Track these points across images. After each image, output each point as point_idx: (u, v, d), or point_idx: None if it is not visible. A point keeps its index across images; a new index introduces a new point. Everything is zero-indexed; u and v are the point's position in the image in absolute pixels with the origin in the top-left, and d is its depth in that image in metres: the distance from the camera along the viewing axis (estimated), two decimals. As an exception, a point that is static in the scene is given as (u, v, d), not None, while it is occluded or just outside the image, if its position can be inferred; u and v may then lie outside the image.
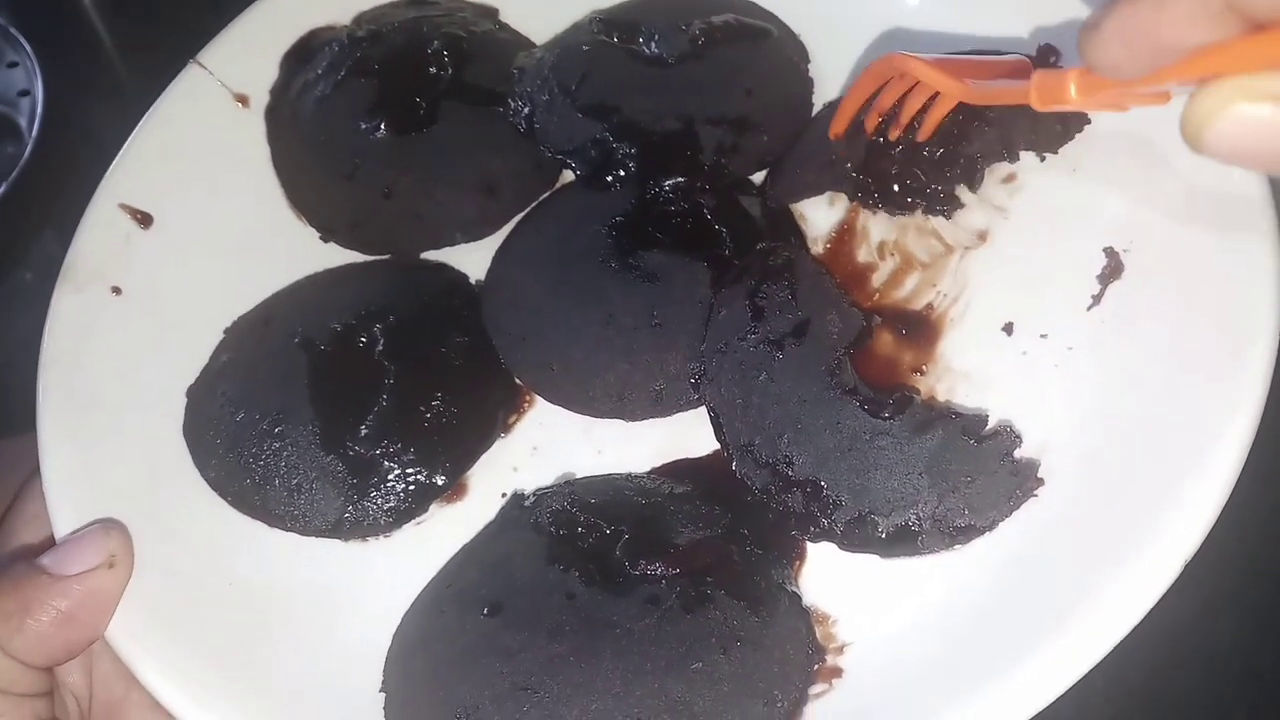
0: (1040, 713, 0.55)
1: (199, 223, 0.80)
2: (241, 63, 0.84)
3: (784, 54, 0.83)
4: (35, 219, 0.73)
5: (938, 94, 0.66)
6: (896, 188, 0.72)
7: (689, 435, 0.70)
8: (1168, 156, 0.68)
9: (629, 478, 0.68)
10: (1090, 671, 0.55)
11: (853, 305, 0.67)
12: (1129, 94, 0.50)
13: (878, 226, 0.76)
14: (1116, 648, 0.55)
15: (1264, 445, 0.59)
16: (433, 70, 0.82)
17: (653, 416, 0.71)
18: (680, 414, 0.71)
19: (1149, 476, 0.60)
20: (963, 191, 0.74)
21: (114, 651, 0.62)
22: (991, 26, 0.77)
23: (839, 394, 0.64)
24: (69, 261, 0.75)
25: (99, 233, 0.76)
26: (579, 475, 0.70)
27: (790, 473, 0.64)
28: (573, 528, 0.62)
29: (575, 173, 0.79)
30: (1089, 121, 0.73)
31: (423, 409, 0.71)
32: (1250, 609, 0.83)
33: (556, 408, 0.73)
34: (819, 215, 0.78)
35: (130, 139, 0.79)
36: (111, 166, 0.78)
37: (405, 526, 0.70)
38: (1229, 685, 0.81)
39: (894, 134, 0.70)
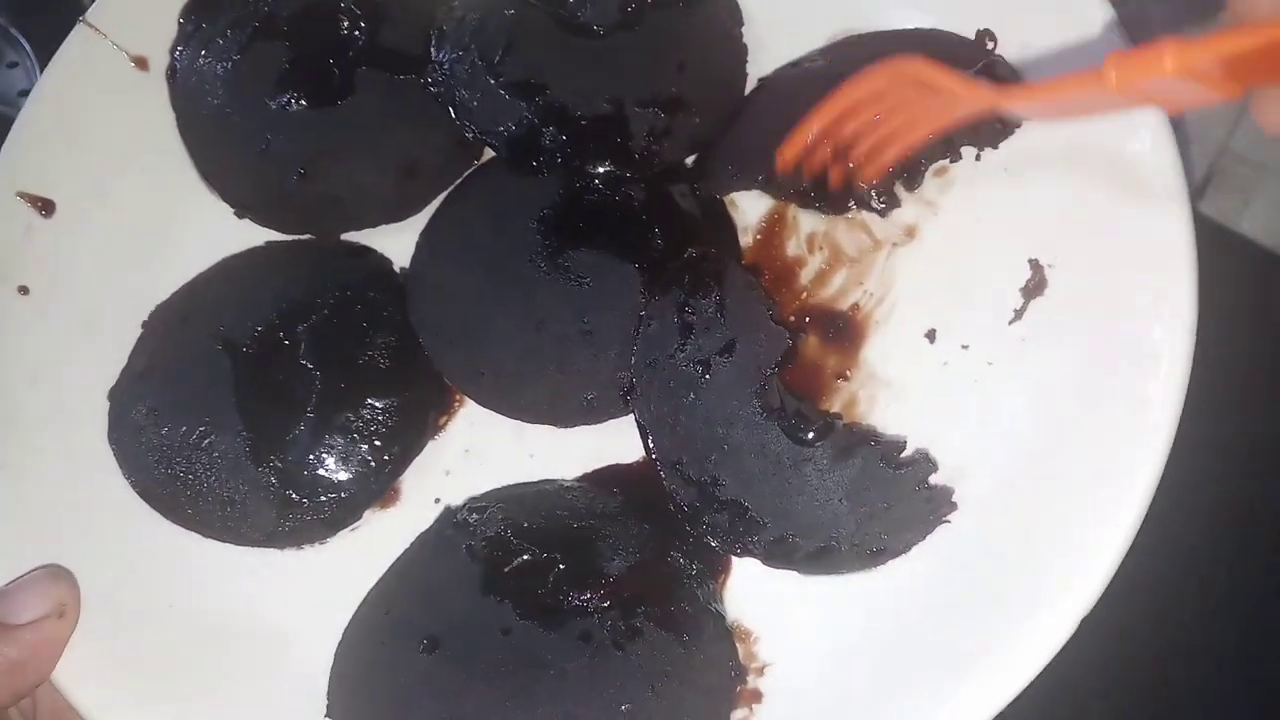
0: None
1: (105, 205, 0.76)
2: (136, 20, 0.78)
3: (718, 20, 0.79)
4: None
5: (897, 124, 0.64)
6: (836, 195, 0.71)
7: (620, 440, 0.72)
8: (1100, 169, 0.68)
9: (561, 490, 0.69)
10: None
11: (779, 323, 0.68)
12: (1212, 80, 0.43)
13: (808, 218, 0.76)
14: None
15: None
16: (345, 30, 0.77)
17: (584, 424, 0.72)
18: (611, 421, 0.72)
19: (1063, 503, 0.63)
20: (899, 189, 0.73)
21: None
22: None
23: (765, 417, 0.65)
24: (-32, 264, 0.71)
25: (-2, 228, 0.72)
26: (511, 480, 0.72)
27: (716, 492, 0.66)
28: (507, 554, 0.64)
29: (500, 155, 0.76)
30: (1019, 124, 0.72)
31: (351, 416, 0.71)
32: (1251, 611, 0.83)
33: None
34: (750, 204, 0.77)
35: (20, 117, 0.74)
36: (2, 151, 0.73)
37: (340, 533, 0.71)
38: (1229, 687, 0.82)
39: (836, 174, 0.68)
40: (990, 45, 0.72)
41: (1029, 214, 0.71)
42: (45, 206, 0.74)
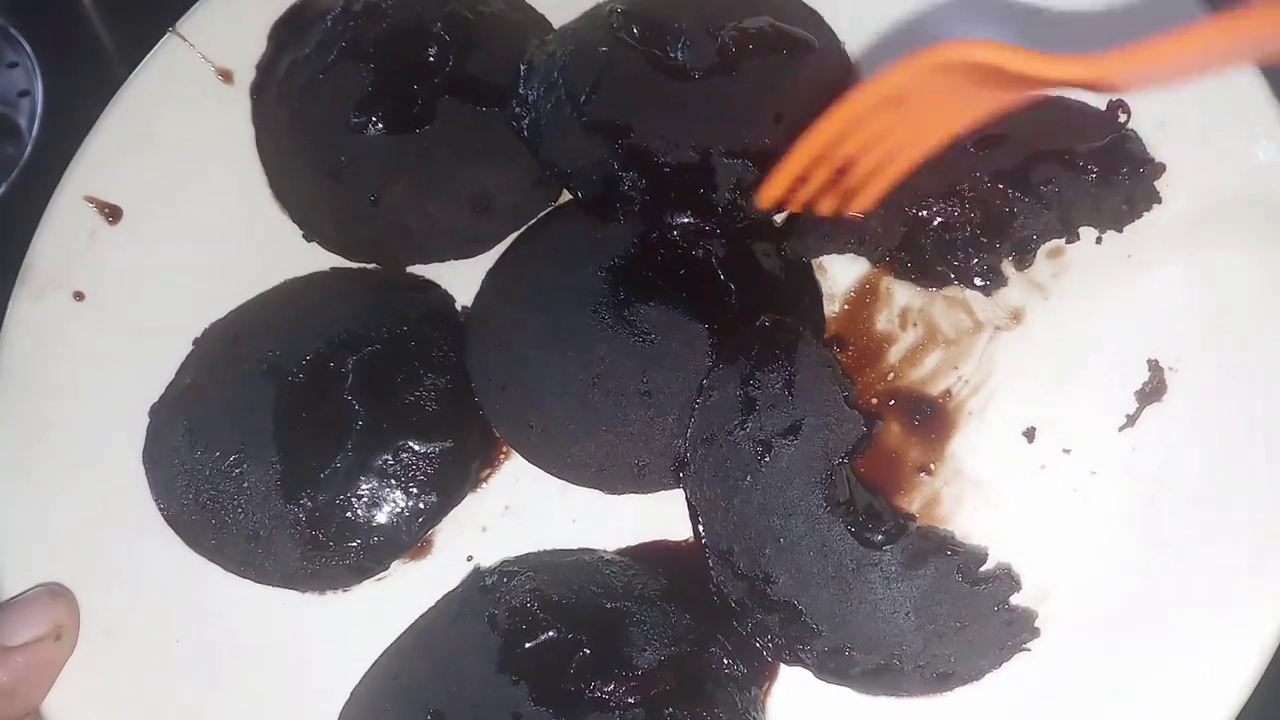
0: None
1: (172, 215, 0.74)
2: (227, 34, 0.77)
3: (823, 70, 0.73)
4: (35, 219, 0.70)
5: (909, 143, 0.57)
6: (936, 266, 0.65)
7: (670, 515, 0.66)
8: (1237, 264, 0.60)
9: (599, 564, 0.64)
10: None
11: (855, 407, 0.61)
12: None
13: (904, 290, 0.69)
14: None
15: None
16: (432, 57, 0.74)
17: (632, 492, 0.66)
18: (663, 492, 0.66)
19: (1163, 642, 0.55)
20: (1007, 267, 0.66)
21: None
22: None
23: (829, 511, 0.58)
24: (27, 264, 0.70)
25: (61, 231, 0.71)
26: (550, 545, 0.66)
27: (769, 591, 0.59)
28: (531, 628, 0.59)
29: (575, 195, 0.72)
30: (1159, 201, 0.64)
31: (390, 458, 0.67)
32: None
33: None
34: (841, 270, 0.70)
35: (99, 122, 0.73)
36: (77, 155, 0.72)
37: (365, 582, 0.67)
38: None
39: (829, 204, 0.61)
40: (1123, 118, 0.65)
41: (1152, 308, 0.63)
42: (112, 213, 0.72)
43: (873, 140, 0.57)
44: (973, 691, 0.57)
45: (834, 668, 0.58)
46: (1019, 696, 0.57)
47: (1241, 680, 0.51)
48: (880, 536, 0.58)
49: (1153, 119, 0.64)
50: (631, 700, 0.56)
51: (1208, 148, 0.63)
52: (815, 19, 0.76)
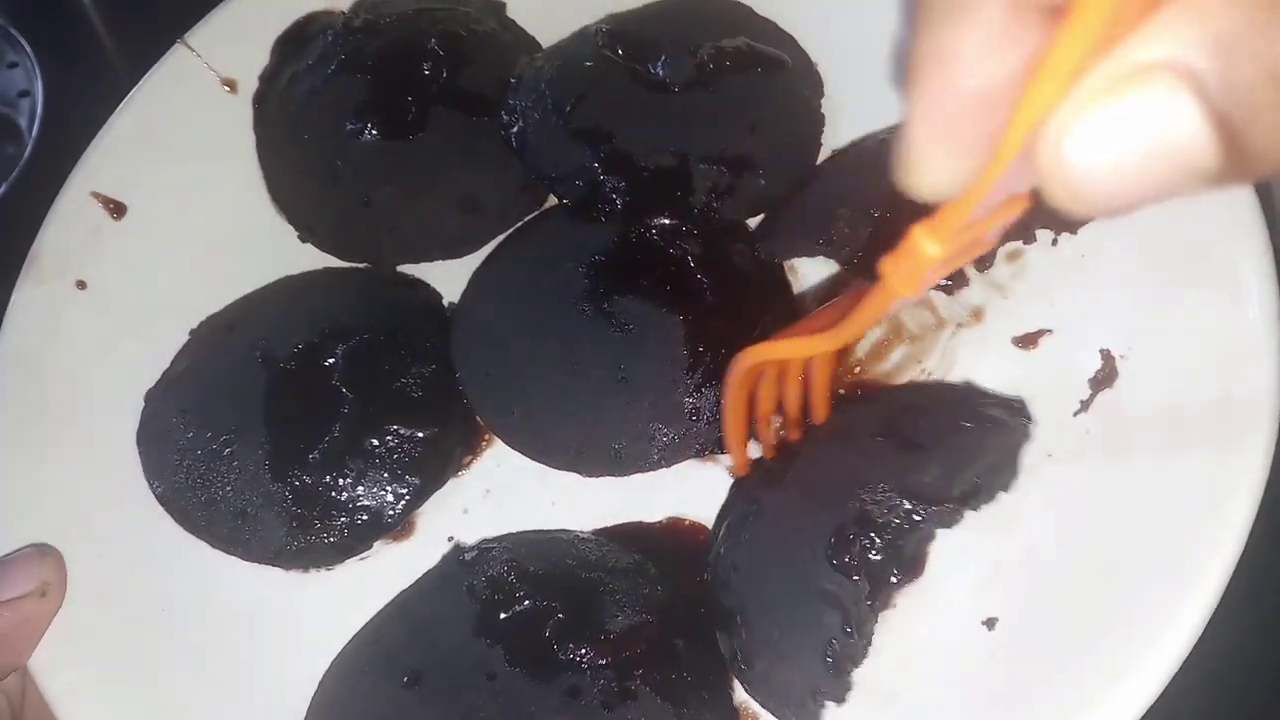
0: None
1: (175, 214, 0.78)
2: (232, 45, 0.81)
3: (796, 88, 0.78)
4: (35, 219, 0.72)
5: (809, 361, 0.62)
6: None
7: (646, 496, 0.68)
8: (1182, 256, 0.64)
9: (575, 540, 0.66)
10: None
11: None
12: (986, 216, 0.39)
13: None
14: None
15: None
16: (427, 70, 0.78)
17: (610, 475, 0.69)
18: (639, 475, 0.69)
19: (1118, 610, 0.57)
20: (969, 268, 0.70)
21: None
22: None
23: None
24: (34, 252, 0.73)
25: (68, 222, 0.74)
26: (529, 526, 0.68)
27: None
28: (507, 597, 0.61)
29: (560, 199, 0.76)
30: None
31: (376, 441, 0.69)
32: (1251, 613, 0.77)
33: (514, 451, 0.71)
34: (812, 270, 0.74)
35: (108, 123, 0.77)
36: (86, 152, 0.76)
37: (348, 561, 0.69)
38: (1229, 690, 0.75)
39: (794, 433, 0.65)
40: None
41: (1104, 303, 0.66)
42: (117, 209, 0.76)
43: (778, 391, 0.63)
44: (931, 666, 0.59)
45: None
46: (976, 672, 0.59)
47: (1183, 638, 0.53)
48: None
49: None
50: (603, 662, 0.58)
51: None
52: (789, 40, 0.80)
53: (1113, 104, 0.28)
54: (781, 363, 0.61)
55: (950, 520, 0.57)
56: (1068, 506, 0.61)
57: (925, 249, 0.40)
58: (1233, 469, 0.56)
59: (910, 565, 0.58)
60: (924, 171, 0.34)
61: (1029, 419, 0.62)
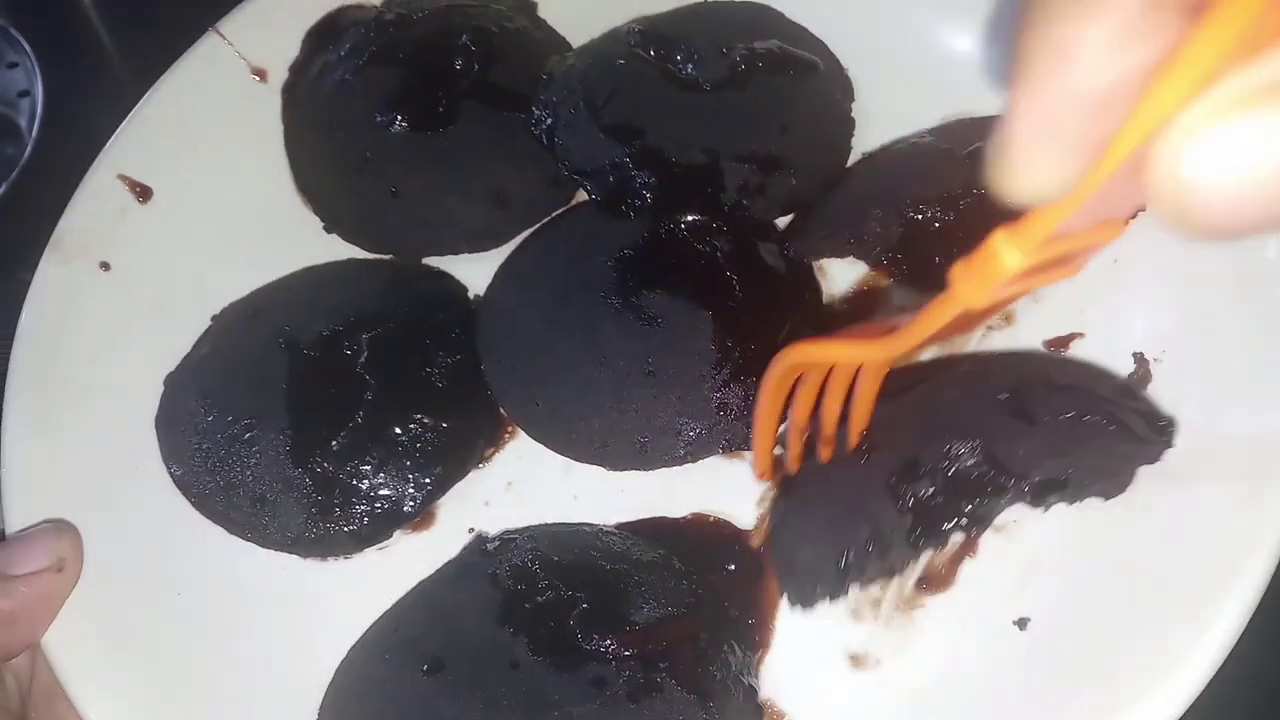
0: None
1: (200, 200, 0.77)
2: (263, 35, 0.81)
3: (827, 91, 0.78)
4: (35, 219, 0.72)
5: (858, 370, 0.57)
6: (932, 270, 0.68)
7: (671, 491, 0.68)
8: (1212, 257, 0.63)
9: (599, 534, 0.65)
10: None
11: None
12: (1077, 234, 0.37)
13: (901, 290, 0.72)
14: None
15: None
16: (458, 65, 0.78)
17: (635, 468, 0.68)
18: (664, 469, 0.68)
19: (1148, 610, 0.56)
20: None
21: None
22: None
23: None
24: (58, 232, 0.72)
25: (94, 204, 0.74)
26: (551, 520, 0.67)
27: None
28: (530, 585, 0.60)
29: (590, 194, 0.75)
30: (1143, 208, 0.67)
31: (399, 430, 0.68)
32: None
33: (538, 444, 0.70)
34: (841, 272, 0.73)
35: (137, 106, 0.77)
36: (114, 135, 0.75)
37: (367, 550, 0.68)
38: (1227, 691, 0.75)
39: (825, 452, 0.62)
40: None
41: (1137, 308, 0.66)
42: (143, 193, 0.75)
43: (818, 398, 0.59)
44: (956, 658, 0.58)
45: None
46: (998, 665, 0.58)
47: (1219, 642, 0.53)
48: None
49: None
50: (628, 653, 0.57)
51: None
52: (820, 45, 0.80)
53: (1244, 119, 0.26)
54: (826, 368, 0.57)
55: (1020, 499, 0.56)
56: (1102, 505, 0.61)
57: (1005, 258, 0.36)
58: (1272, 464, 0.55)
59: (973, 521, 0.57)
60: (1021, 172, 0.32)
61: (1167, 442, 0.59)
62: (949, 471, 0.55)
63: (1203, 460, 0.58)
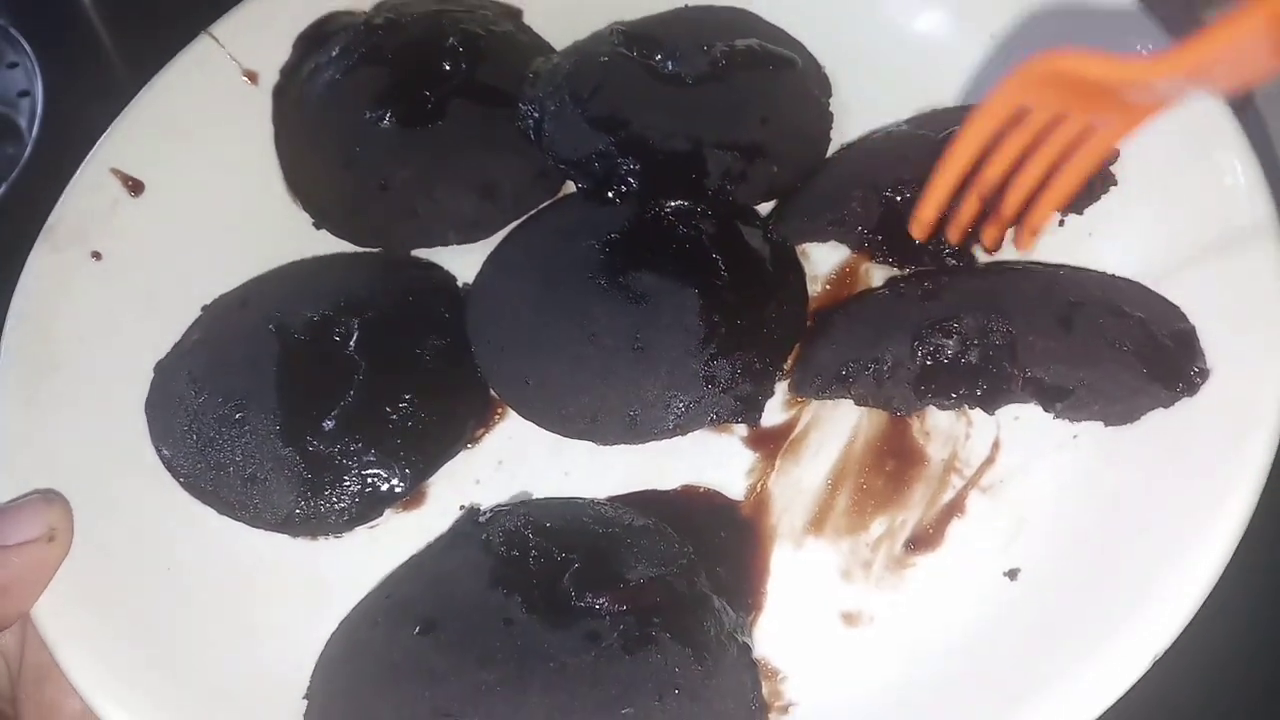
0: None
1: (191, 196, 0.78)
2: (254, 39, 0.83)
3: (805, 86, 0.80)
4: (35, 219, 0.72)
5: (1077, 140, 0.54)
6: (911, 249, 0.69)
7: (660, 465, 0.68)
8: (1187, 227, 0.66)
9: (590, 504, 0.65)
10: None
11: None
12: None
13: (880, 271, 0.73)
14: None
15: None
16: (446, 65, 0.80)
17: (625, 442, 0.69)
18: (653, 443, 0.68)
19: (1128, 556, 0.57)
20: (978, 250, 0.71)
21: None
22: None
23: None
24: (52, 220, 0.73)
25: (87, 195, 0.75)
26: (542, 495, 0.68)
27: None
28: (523, 549, 0.60)
29: (577, 185, 0.77)
30: (1115, 183, 0.70)
31: (389, 409, 0.69)
32: (1249, 615, 0.74)
33: (527, 424, 0.70)
34: (823, 255, 0.75)
35: (131, 104, 0.78)
36: (108, 130, 0.77)
37: (358, 529, 0.68)
38: (1226, 692, 0.75)
39: (990, 235, 0.62)
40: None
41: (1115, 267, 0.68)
42: (135, 186, 0.76)
43: (1015, 164, 0.57)
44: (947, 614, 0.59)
45: None
46: (992, 617, 0.59)
47: (1201, 579, 0.54)
48: None
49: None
50: (621, 608, 0.57)
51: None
52: (798, 45, 0.83)
53: None
54: (1045, 124, 0.52)
55: (1021, 399, 0.60)
56: (1084, 459, 0.62)
57: None
58: (1248, 414, 0.57)
59: (977, 401, 0.61)
60: None
61: (1186, 390, 0.59)
62: (974, 342, 0.57)
63: (1185, 411, 0.60)
